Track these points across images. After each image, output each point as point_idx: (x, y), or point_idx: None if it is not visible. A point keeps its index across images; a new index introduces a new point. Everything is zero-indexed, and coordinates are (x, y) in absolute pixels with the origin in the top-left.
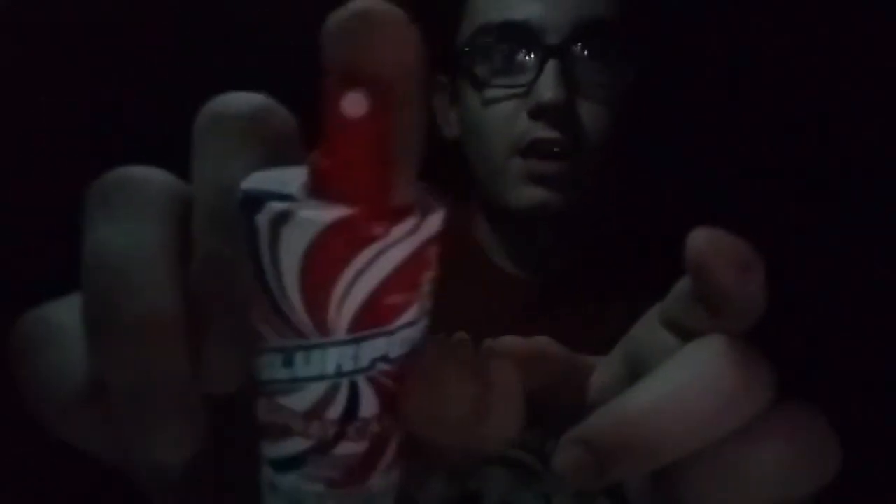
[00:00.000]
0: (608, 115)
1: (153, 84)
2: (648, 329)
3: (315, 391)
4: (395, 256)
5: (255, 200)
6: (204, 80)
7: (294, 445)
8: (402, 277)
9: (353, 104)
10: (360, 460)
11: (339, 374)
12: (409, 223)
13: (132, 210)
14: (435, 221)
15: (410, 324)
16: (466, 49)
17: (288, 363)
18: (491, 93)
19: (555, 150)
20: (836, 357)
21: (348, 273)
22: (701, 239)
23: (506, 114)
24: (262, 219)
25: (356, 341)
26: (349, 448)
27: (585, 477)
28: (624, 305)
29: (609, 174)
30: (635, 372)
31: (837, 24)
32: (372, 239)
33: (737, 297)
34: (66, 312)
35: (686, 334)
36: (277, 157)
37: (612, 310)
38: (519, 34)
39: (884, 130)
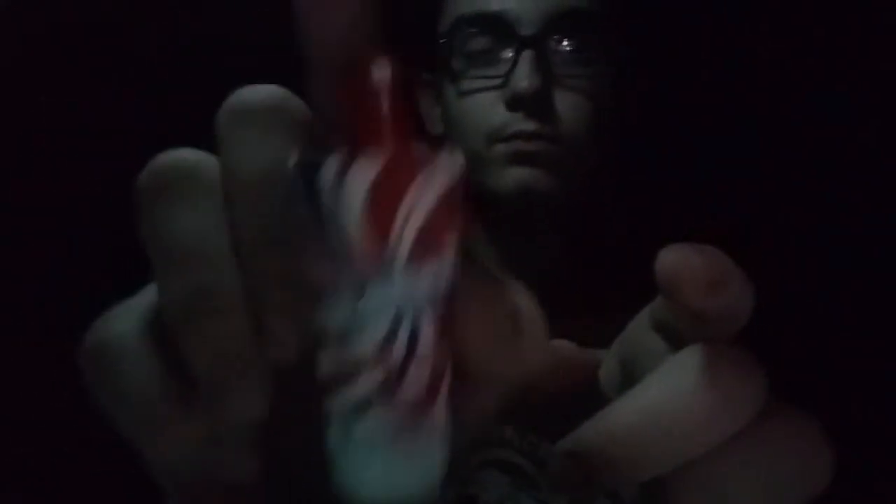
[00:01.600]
0: (588, 105)
1: (153, 83)
2: (640, 329)
3: (376, 330)
4: (437, 189)
5: (313, 165)
6: (201, 77)
7: (362, 387)
8: (443, 213)
9: (380, 70)
10: (423, 395)
11: (398, 310)
12: (443, 157)
13: (193, 201)
14: (459, 159)
15: (452, 262)
16: (443, 41)
17: (351, 305)
18: (468, 84)
19: (534, 138)
20: (835, 358)
21: (403, 210)
22: (667, 259)
23: (484, 105)
24: (326, 174)
25: (410, 275)
26: (412, 384)
27: (573, 488)
28: (621, 311)
29: (597, 168)
30: (629, 373)
31: (832, 24)
32: (418, 171)
33: (709, 314)
34: (127, 322)
35: (675, 338)
36: (299, 142)
37: (610, 314)
38: (494, 25)
39: (876, 129)
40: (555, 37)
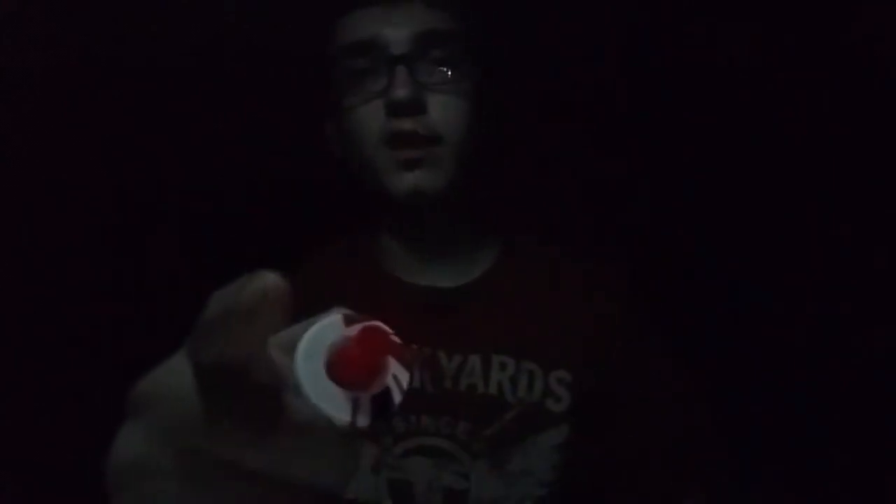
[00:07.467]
0: (456, 105)
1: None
2: None
3: None
4: None
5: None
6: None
7: None
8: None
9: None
10: None
11: None
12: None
13: None
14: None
15: None
16: (332, 70)
17: None
18: (354, 100)
19: (413, 137)
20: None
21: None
22: None
23: (369, 115)
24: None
25: None
26: None
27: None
28: (527, 304)
29: (480, 163)
30: None
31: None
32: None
33: None
34: None
35: None
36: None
37: (523, 310)
38: (369, 49)
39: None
40: (422, 53)
